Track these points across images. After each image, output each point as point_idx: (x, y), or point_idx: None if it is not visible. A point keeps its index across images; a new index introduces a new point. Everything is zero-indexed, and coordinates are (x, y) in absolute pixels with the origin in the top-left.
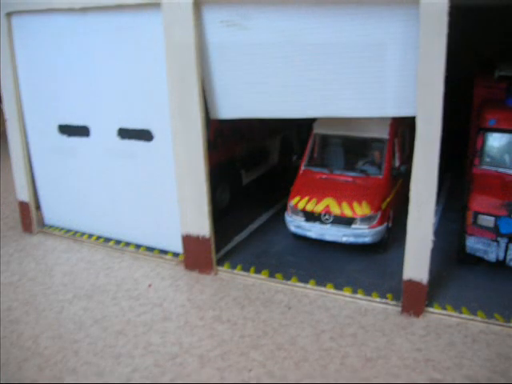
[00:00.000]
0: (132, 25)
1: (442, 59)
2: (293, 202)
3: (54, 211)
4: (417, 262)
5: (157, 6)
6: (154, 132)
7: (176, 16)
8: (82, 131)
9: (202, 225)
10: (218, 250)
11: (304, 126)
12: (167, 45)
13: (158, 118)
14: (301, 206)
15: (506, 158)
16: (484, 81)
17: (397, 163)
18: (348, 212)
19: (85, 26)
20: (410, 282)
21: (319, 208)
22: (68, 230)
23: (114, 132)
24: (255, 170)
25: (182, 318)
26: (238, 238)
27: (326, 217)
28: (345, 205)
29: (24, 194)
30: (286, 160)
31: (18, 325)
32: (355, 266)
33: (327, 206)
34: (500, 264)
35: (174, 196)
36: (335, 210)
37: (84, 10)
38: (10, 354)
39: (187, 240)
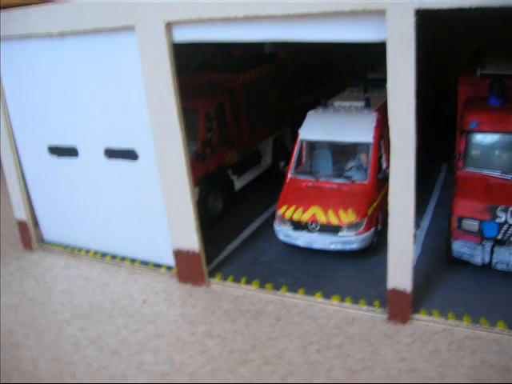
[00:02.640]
0: (111, 47)
1: (411, 73)
2: (280, 211)
3: (51, 228)
4: (399, 271)
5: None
6: (139, 151)
7: (149, 38)
8: (70, 152)
9: (190, 240)
10: (211, 260)
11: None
12: (143, 66)
13: (142, 137)
14: (288, 215)
15: (489, 160)
16: (468, 79)
17: (384, 165)
18: (334, 220)
19: (65, 49)
20: (394, 291)
21: (306, 217)
22: (66, 246)
23: (101, 152)
24: (248, 175)
25: (174, 334)
26: (230, 247)
27: (313, 225)
28: (331, 213)
29: (21, 213)
30: (278, 162)
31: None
32: (345, 272)
33: (313, 215)
34: (486, 267)
35: (164, 212)
36: (321, 218)
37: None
38: (11, 379)
39: (178, 254)
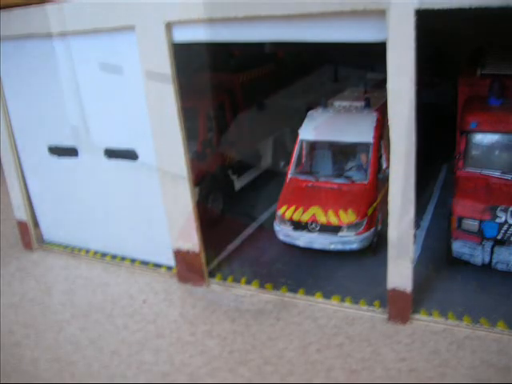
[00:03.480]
0: (111, 47)
1: (411, 73)
2: (280, 211)
3: (51, 228)
4: (399, 271)
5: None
6: (139, 151)
7: (149, 38)
8: (70, 152)
9: (190, 240)
10: (211, 260)
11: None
12: (143, 66)
13: (142, 137)
14: (288, 215)
15: (489, 160)
16: (468, 79)
17: (384, 165)
18: (334, 220)
19: (65, 49)
20: (394, 291)
21: (306, 217)
22: (66, 246)
23: (101, 152)
24: (248, 175)
25: (174, 334)
26: (230, 247)
27: (313, 225)
28: (331, 213)
29: (21, 213)
30: (278, 162)
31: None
32: (345, 272)
33: (313, 215)
34: (486, 267)
35: (164, 212)
36: (321, 218)
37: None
38: (11, 379)
39: (178, 254)
